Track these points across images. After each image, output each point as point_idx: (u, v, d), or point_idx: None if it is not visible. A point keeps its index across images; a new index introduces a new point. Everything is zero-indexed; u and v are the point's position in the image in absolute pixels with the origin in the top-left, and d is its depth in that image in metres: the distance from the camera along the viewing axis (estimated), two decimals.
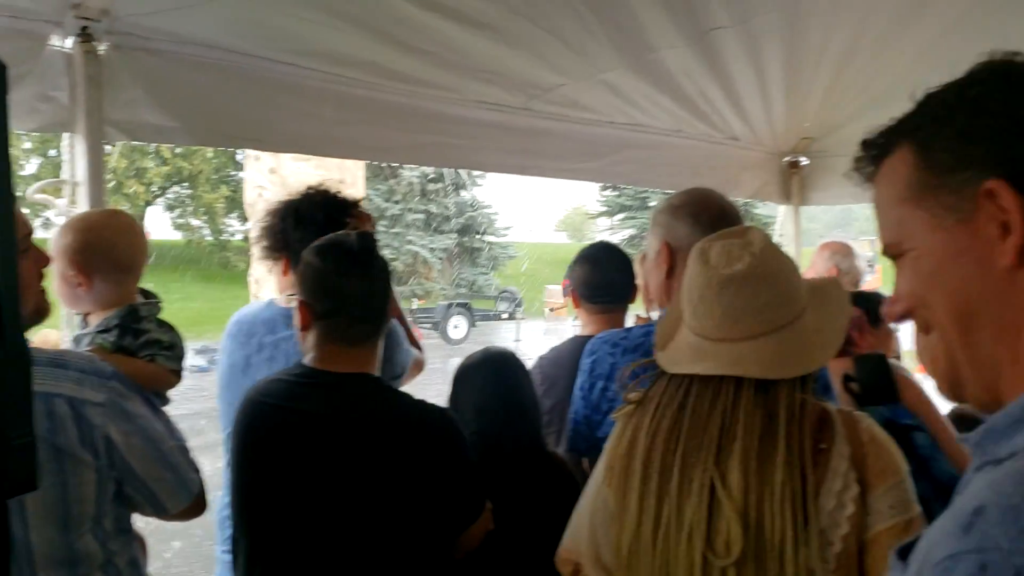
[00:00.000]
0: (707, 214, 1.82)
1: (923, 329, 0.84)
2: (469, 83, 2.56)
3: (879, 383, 2.09)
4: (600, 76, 2.65)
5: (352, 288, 1.64)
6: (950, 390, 0.83)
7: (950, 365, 0.81)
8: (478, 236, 32.02)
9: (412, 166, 23.47)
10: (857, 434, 1.36)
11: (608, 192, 35.40)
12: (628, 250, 2.69)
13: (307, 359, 1.67)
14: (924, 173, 0.80)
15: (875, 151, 0.86)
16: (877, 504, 1.31)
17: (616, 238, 31.80)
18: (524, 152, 2.89)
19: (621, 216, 36.10)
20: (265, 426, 1.62)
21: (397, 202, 28.37)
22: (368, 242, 1.68)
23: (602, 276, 2.50)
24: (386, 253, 1.80)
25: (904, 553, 0.77)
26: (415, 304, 25.48)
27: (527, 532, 1.84)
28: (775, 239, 1.83)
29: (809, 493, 1.30)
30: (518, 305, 26.15)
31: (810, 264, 4.12)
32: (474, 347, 2.38)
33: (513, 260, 34.43)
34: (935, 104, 0.80)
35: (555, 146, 2.98)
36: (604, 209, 37.85)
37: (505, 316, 25.85)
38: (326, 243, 1.68)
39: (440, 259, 29.94)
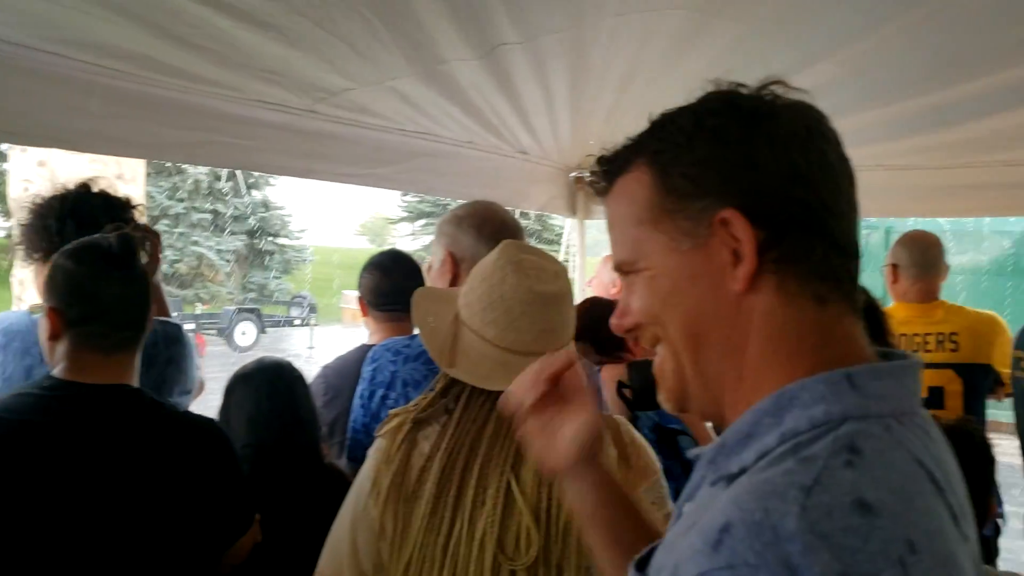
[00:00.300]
0: (490, 226, 1.85)
1: (650, 343, 0.87)
2: (250, 82, 2.46)
3: (650, 389, 2.20)
4: (389, 83, 2.63)
5: (110, 293, 1.53)
6: (675, 402, 0.88)
7: (677, 379, 0.85)
8: (270, 238, 31.00)
9: None
10: (620, 436, 1.45)
11: (410, 198, 35.42)
12: (423, 255, 2.69)
13: (56, 370, 1.54)
14: (663, 197, 0.82)
15: (611, 168, 0.88)
16: (641, 501, 1.39)
17: (417, 244, 31.81)
18: (310, 155, 2.82)
19: (422, 222, 36.21)
20: (9, 444, 1.47)
21: (182, 200, 26.95)
22: (128, 243, 1.57)
23: (391, 283, 2.49)
24: (168, 254, 1.69)
25: (642, 565, 0.81)
26: (199, 309, 24.25)
27: (302, 545, 1.79)
28: (563, 250, 1.89)
29: None
30: (312, 311, 25.53)
31: (595, 274, 4.31)
32: (264, 355, 2.30)
33: (308, 264, 33.59)
34: (674, 130, 0.83)
35: (343, 150, 2.92)
36: (405, 215, 37.83)
37: (298, 322, 25.17)
38: (81, 245, 1.56)
39: (228, 261, 28.70)
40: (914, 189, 3.74)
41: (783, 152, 0.78)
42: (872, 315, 2.51)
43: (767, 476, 0.69)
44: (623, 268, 0.88)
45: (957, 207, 4.00)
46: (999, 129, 3.04)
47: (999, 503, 3.20)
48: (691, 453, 0.87)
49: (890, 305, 3.33)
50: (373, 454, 1.47)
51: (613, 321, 0.90)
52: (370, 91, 2.70)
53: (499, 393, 1.39)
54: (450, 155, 3.29)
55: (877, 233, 10.34)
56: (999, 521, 3.21)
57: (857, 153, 2.93)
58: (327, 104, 2.73)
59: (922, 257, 3.28)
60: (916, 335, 3.18)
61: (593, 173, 0.90)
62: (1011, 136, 3.11)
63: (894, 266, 3.29)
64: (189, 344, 2.21)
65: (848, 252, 0.81)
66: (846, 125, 2.91)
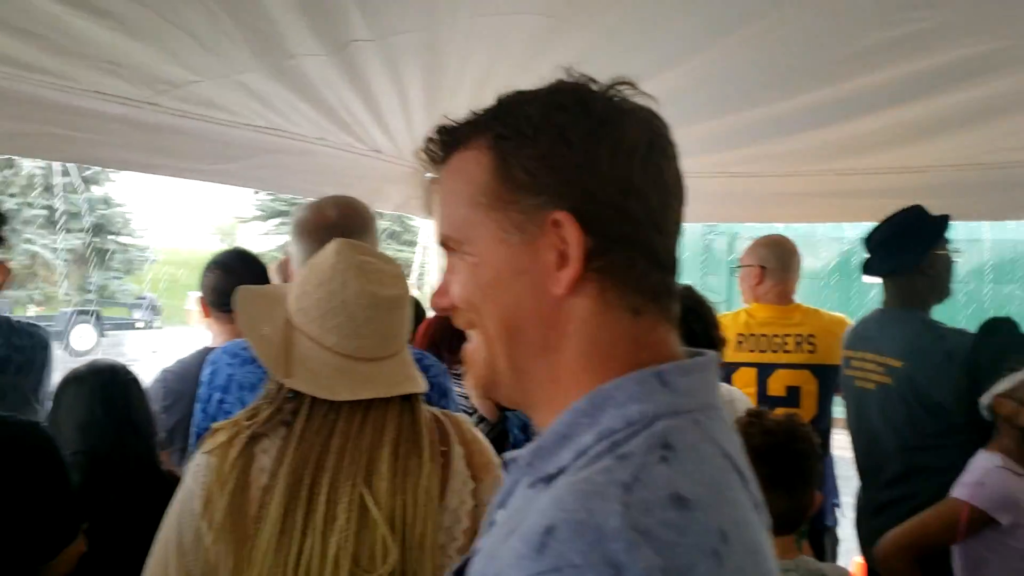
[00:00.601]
0: (324, 226, 1.81)
1: (464, 326, 0.87)
2: (86, 72, 2.32)
3: None
4: (236, 76, 2.54)
5: None
6: (483, 388, 0.87)
7: (488, 368, 0.85)
8: (111, 236, 29.42)
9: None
10: (464, 434, 1.44)
11: (264, 196, 34.40)
12: (276, 255, 2.61)
13: None
14: (499, 185, 0.81)
15: (451, 139, 0.87)
16: (485, 496, 1.40)
17: (271, 244, 30.97)
18: (151, 149, 2.68)
19: (276, 221, 35.22)
20: None
21: (14, 195, 25.23)
22: None
23: (234, 283, 2.40)
24: None
25: (459, 574, 0.80)
26: (32, 311, 22.79)
27: (136, 556, 1.70)
28: (420, 251, 1.86)
29: (440, 495, 1.36)
30: (156, 313, 24.41)
31: None
32: (97, 357, 2.18)
33: (152, 264, 32.12)
34: (521, 118, 0.82)
35: (187, 145, 2.80)
36: (259, 214, 36.75)
37: (141, 325, 24.02)
38: None
39: (65, 261, 27.06)
40: (754, 196, 3.92)
41: (624, 164, 0.79)
42: (698, 312, 2.63)
43: (586, 475, 0.70)
44: (447, 244, 0.87)
45: (794, 213, 4.21)
46: (831, 140, 3.23)
47: (836, 494, 3.41)
48: (506, 456, 0.87)
49: (748, 306, 3.45)
50: (198, 472, 1.35)
51: (432, 299, 0.89)
52: (216, 84, 2.60)
53: (343, 403, 1.36)
54: (301, 152, 3.20)
55: (722, 238, 10.83)
56: (838, 512, 3.42)
57: (700, 161, 3.06)
58: (170, 97, 2.60)
59: (786, 260, 3.42)
60: (776, 336, 3.30)
61: (431, 140, 0.89)
62: (842, 147, 3.31)
63: (762, 268, 3.39)
64: (50, 347, 2.11)
65: (668, 268, 0.83)
66: (691, 133, 3.03)
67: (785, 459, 1.86)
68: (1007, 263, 9.52)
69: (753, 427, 1.92)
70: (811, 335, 3.28)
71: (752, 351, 3.29)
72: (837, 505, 3.43)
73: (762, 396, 3.24)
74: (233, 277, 2.43)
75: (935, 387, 2.69)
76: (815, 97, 2.83)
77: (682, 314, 2.61)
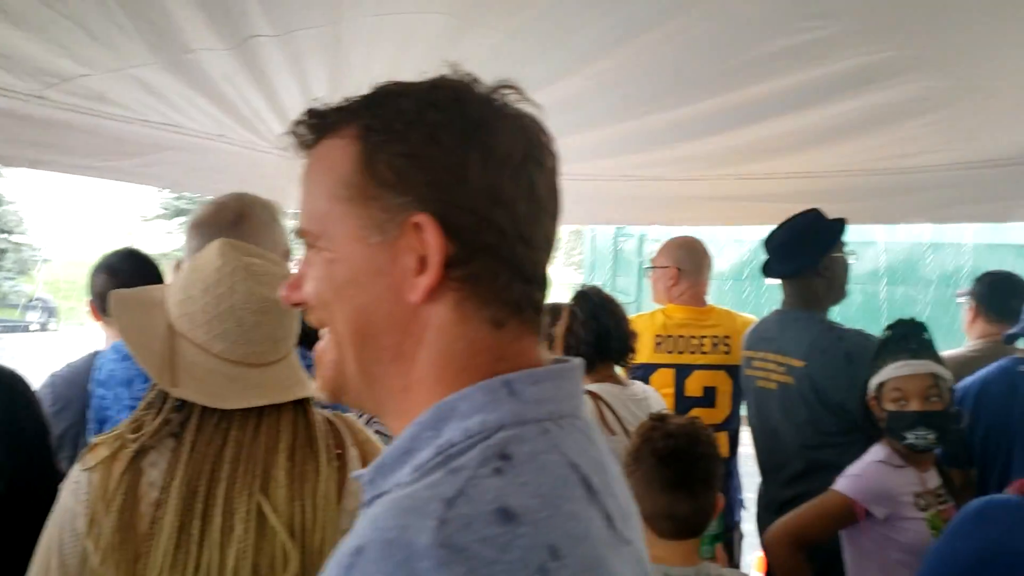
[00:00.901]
0: (222, 223, 1.76)
1: (317, 324, 0.83)
2: None
3: None
4: (130, 70, 2.44)
5: None
6: (330, 392, 0.84)
7: (336, 371, 0.82)
8: (2, 235, 28.18)
9: None
10: (357, 434, 1.42)
11: (167, 195, 33.45)
12: (179, 255, 2.53)
13: None
14: (363, 179, 0.77)
15: (320, 124, 0.83)
16: None
17: (175, 243, 30.19)
18: (38, 145, 2.57)
19: (181, 220, 34.28)
20: None
21: None
22: None
23: (119, 286, 2.32)
24: None
25: None
26: None
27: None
28: None
29: (338, 498, 1.34)
30: (51, 315, 23.48)
31: None
32: None
33: (46, 265, 30.89)
34: (394, 111, 0.79)
35: (78, 141, 2.68)
36: (163, 212, 35.72)
37: (35, 328, 23.06)
38: None
39: None
40: (659, 199, 3.98)
41: (495, 172, 0.76)
42: (609, 308, 2.66)
43: (411, 491, 0.67)
44: (305, 237, 0.83)
45: (698, 216, 4.29)
46: (731, 145, 3.29)
47: (739, 490, 3.48)
48: (353, 475, 0.84)
49: (663, 307, 3.48)
50: (79, 490, 1.27)
51: (281, 292, 0.85)
52: (108, 78, 2.49)
53: (234, 411, 1.31)
54: (200, 149, 3.10)
55: (632, 240, 10.98)
56: (743, 508, 3.50)
57: (605, 164, 3.08)
58: (58, 90, 2.49)
59: (699, 262, 3.48)
60: (693, 337, 3.35)
61: (300, 123, 0.84)
62: (742, 152, 3.38)
63: (677, 269, 3.43)
64: None
65: (534, 281, 0.80)
66: (596, 137, 3.06)
67: (687, 462, 1.88)
68: (900, 265, 9.93)
69: (655, 431, 1.94)
70: (727, 336, 3.34)
71: (670, 352, 3.33)
72: (742, 504, 3.51)
73: (680, 397, 3.29)
74: (119, 279, 2.34)
75: (835, 386, 2.77)
76: (716, 103, 2.88)
77: (593, 311, 2.62)
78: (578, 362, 0.82)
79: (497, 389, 0.73)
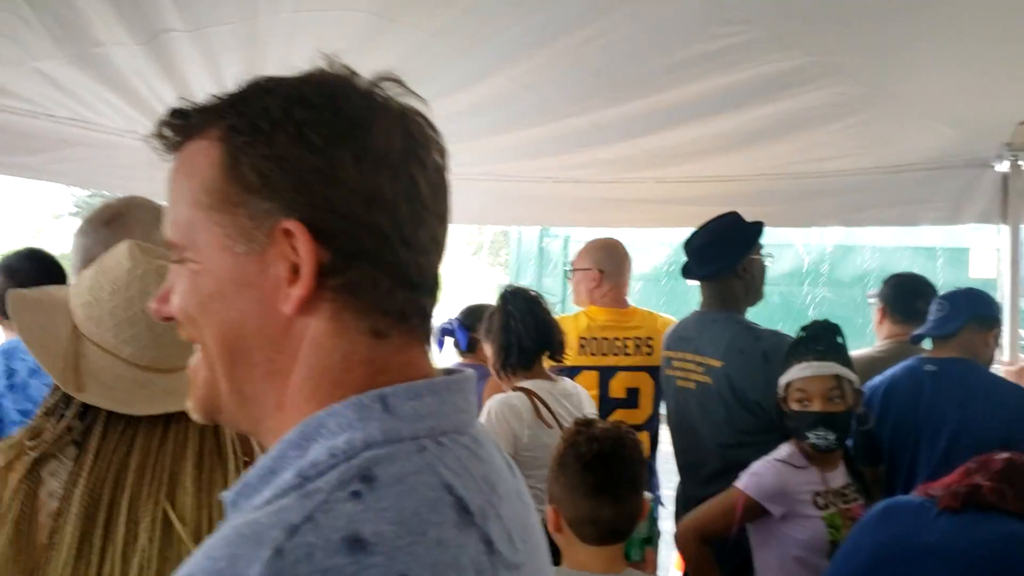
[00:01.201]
0: (93, 223, 1.68)
1: (188, 339, 0.78)
2: None
3: None
4: (34, 64, 2.35)
5: None
6: (203, 412, 0.79)
7: (208, 390, 0.77)
8: None
9: None
10: None
11: (80, 192, 32.33)
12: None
13: None
14: (228, 184, 0.71)
15: (185, 124, 0.76)
16: None
17: None
18: None
19: None
20: None
21: None
22: None
23: (22, 286, 2.23)
24: None
25: None
26: None
27: None
28: None
29: None
30: None
31: None
32: None
33: None
34: (259, 109, 0.72)
35: None
36: (75, 210, 34.54)
37: None
38: None
39: None
40: (582, 201, 4.01)
41: (371, 173, 0.70)
42: (542, 304, 2.68)
43: (256, 516, 0.62)
44: (171, 248, 0.77)
45: (620, 219, 4.32)
46: (652, 148, 3.33)
47: (657, 487, 3.52)
48: (220, 496, 0.78)
49: (585, 309, 3.48)
50: None
51: (151, 305, 0.79)
52: (10, 71, 2.40)
53: (141, 418, 1.26)
54: (109, 145, 3.00)
55: (557, 241, 11.04)
56: (659, 505, 3.53)
57: (529, 165, 3.08)
58: None
59: (620, 263, 3.49)
60: (617, 339, 3.35)
61: (164, 124, 0.76)
62: (663, 155, 3.42)
63: (600, 271, 3.43)
64: None
65: (420, 287, 0.75)
66: (519, 138, 3.05)
67: (612, 467, 1.87)
68: (817, 267, 10.19)
69: (580, 436, 1.92)
70: (649, 338, 3.36)
71: (594, 354, 3.34)
72: (660, 502, 3.54)
73: (604, 398, 3.30)
74: (17, 279, 2.25)
75: (752, 386, 2.81)
76: (637, 106, 2.91)
77: (530, 308, 2.60)
78: (469, 373, 0.78)
79: (369, 405, 0.68)
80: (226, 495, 0.72)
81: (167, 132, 0.76)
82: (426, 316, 0.76)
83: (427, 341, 0.77)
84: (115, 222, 1.60)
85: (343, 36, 2.50)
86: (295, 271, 0.69)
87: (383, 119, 0.73)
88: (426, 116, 0.77)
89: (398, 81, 0.76)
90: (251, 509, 0.65)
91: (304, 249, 0.68)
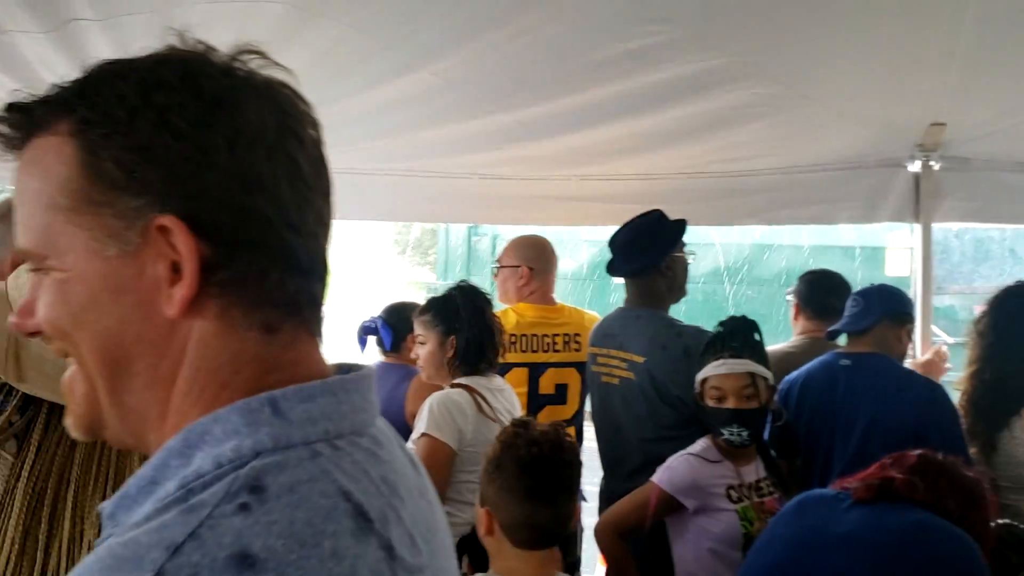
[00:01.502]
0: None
1: (60, 354, 0.72)
2: None
3: None
4: None
5: None
6: (85, 430, 0.73)
7: (88, 405, 0.71)
8: None
9: None
10: None
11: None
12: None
13: None
14: (88, 183, 0.65)
15: (26, 121, 0.68)
16: None
17: None
18: None
19: None
20: None
21: None
22: None
23: None
24: None
25: None
26: None
27: None
28: None
29: None
30: None
31: None
32: None
33: None
34: (113, 98, 0.65)
35: None
36: None
37: None
38: None
39: None
40: (507, 198, 4.00)
41: (246, 155, 0.65)
42: (487, 299, 2.68)
43: (135, 535, 0.57)
44: (29, 259, 0.69)
45: (545, 216, 4.33)
46: (575, 146, 3.35)
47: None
48: (98, 508, 0.74)
49: (513, 306, 3.48)
50: None
51: (12, 320, 0.72)
52: None
53: None
54: None
55: (486, 239, 11.05)
56: (584, 501, 3.55)
57: (455, 161, 3.07)
58: None
59: (548, 260, 3.49)
60: (546, 336, 3.35)
61: (2, 120, 0.68)
62: (586, 153, 3.45)
63: (529, 268, 3.43)
64: None
65: (311, 273, 0.70)
66: (443, 134, 3.03)
67: (550, 470, 1.85)
68: (736, 265, 10.42)
69: (518, 438, 1.88)
70: (577, 334, 3.38)
71: (524, 351, 3.34)
72: (583, 496, 3.56)
73: (533, 395, 3.31)
74: None
75: (673, 381, 2.84)
76: (559, 104, 2.92)
77: (486, 306, 2.58)
78: (369, 370, 0.73)
79: (258, 409, 0.63)
80: (104, 507, 0.67)
81: (5, 130, 0.68)
82: (317, 305, 0.72)
83: (319, 333, 0.72)
84: (5, 219, 1.56)
85: (261, 27, 2.45)
86: (176, 270, 0.64)
87: (251, 96, 0.68)
88: (294, 88, 0.72)
89: (259, 53, 0.70)
90: (131, 526, 0.61)
91: (184, 245, 0.63)
